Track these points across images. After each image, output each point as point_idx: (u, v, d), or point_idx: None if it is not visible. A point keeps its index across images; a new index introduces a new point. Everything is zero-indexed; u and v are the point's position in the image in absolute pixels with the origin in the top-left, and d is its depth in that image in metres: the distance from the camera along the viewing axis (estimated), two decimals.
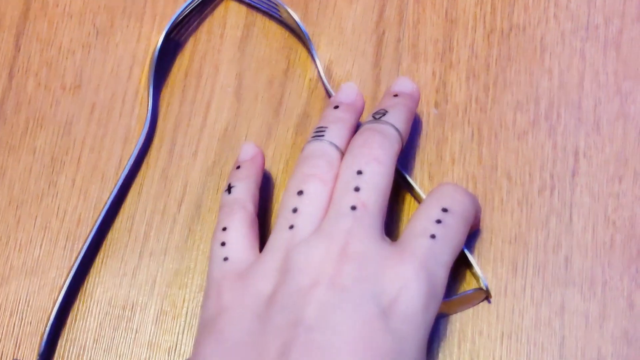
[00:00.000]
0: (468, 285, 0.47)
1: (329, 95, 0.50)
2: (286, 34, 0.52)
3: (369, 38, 0.52)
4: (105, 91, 0.52)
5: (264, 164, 0.46)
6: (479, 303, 0.46)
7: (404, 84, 0.46)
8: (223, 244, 0.41)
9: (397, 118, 0.43)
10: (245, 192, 0.43)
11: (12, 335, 0.47)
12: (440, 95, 0.51)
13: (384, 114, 0.43)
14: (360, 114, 0.46)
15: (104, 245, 0.49)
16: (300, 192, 0.40)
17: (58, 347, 0.47)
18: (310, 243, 0.37)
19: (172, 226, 0.49)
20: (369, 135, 0.41)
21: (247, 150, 0.46)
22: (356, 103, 0.45)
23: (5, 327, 0.48)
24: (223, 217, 0.42)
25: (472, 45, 0.52)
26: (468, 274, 0.47)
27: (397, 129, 0.42)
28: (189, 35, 0.53)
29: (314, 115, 0.50)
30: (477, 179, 0.49)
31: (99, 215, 0.48)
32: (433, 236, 0.38)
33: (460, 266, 0.47)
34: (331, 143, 0.42)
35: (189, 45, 0.52)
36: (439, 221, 0.39)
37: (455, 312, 0.46)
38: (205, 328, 0.38)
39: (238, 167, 0.45)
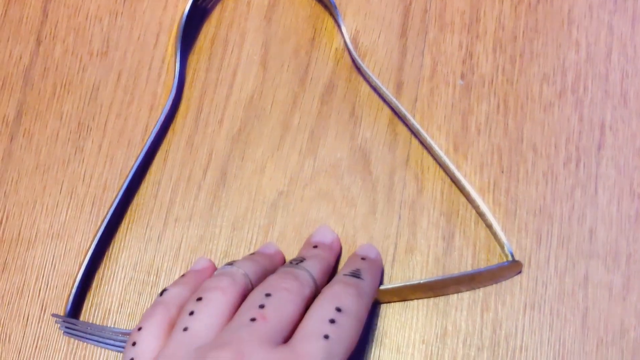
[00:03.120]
0: (493, 255, 0.47)
1: (355, 65, 0.50)
2: (313, 2, 0.52)
3: (395, 8, 0.52)
4: (132, 58, 0.52)
5: (206, 276, 0.44)
6: (509, 277, 0.46)
7: (324, 235, 0.46)
8: (134, 344, 0.39)
9: (313, 267, 0.42)
10: (175, 296, 0.41)
11: (38, 299, 0.48)
12: (467, 66, 0.51)
13: (300, 261, 0.42)
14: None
15: (129, 211, 0.49)
16: (199, 299, 0.39)
17: (83, 310, 0.48)
18: (202, 349, 0.35)
19: (197, 193, 0.49)
20: (283, 274, 0.40)
21: (199, 263, 0.46)
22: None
23: (31, 291, 0.48)
24: (143, 317, 0.40)
25: (499, 17, 0.51)
26: (493, 244, 0.47)
27: (311, 276, 0.41)
28: (216, 2, 0.53)
29: (340, 84, 0.50)
30: (502, 151, 0.49)
31: (125, 181, 0.48)
32: (327, 337, 0.36)
33: (486, 236, 0.47)
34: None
35: (216, 13, 0.52)
36: (332, 321, 0.37)
37: (484, 286, 0.46)
38: None
39: (183, 276, 0.44)
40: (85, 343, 0.47)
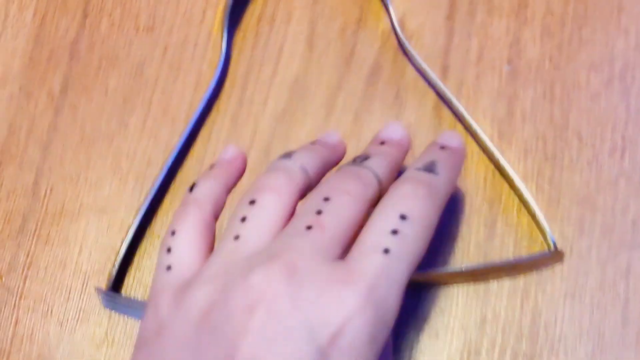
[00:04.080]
0: (534, 242, 0.47)
1: (402, 47, 0.50)
2: None
3: None
4: (178, 34, 0.52)
5: (243, 169, 0.41)
6: (551, 266, 0.46)
7: (393, 130, 0.40)
8: (169, 250, 0.35)
9: (379, 166, 0.36)
10: (207, 193, 0.38)
11: (80, 272, 0.48)
12: (514, 51, 0.50)
13: (365, 159, 0.37)
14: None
15: (172, 188, 0.49)
16: (252, 202, 0.35)
17: (124, 285, 0.48)
18: (253, 259, 0.31)
19: None
20: (345, 174, 0.36)
21: (227, 151, 0.41)
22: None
23: (74, 264, 0.48)
24: (175, 219, 0.36)
25: (548, 2, 0.51)
26: (535, 232, 0.47)
27: (376, 176, 0.36)
28: None
29: (386, 66, 0.50)
30: (547, 138, 0.49)
31: (169, 158, 0.48)
32: (387, 251, 0.31)
33: (529, 224, 0.47)
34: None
35: None
36: (395, 232, 0.32)
37: (525, 274, 0.46)
38: (143, 345, 0.33)
39: (212, 167, 0.40)
40: (126, 317, 0.47)
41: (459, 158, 0.39)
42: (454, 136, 0.39)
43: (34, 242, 0.49)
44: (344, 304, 0.30)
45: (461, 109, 0.48)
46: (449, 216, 0.48)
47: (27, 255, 0.49)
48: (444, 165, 0.36)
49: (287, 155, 0.38)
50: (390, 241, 0.31)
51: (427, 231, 0.33)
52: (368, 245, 0.32)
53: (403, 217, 0.32)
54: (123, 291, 0.48)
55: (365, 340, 0.30)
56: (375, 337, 0.30)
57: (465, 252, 0.47)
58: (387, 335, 0.31)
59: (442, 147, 0.38)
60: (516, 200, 0.48)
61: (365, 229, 0.33)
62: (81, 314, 0.48)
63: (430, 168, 0.36)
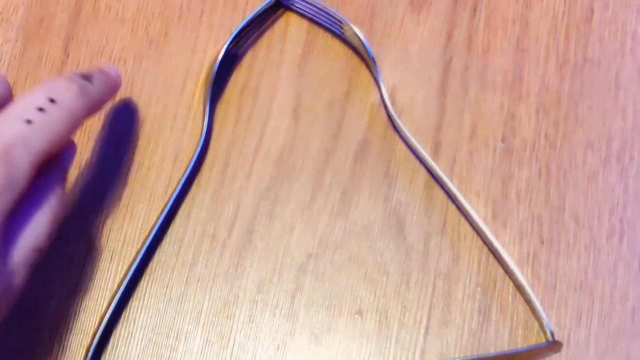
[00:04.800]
0: (530, 331, 0.45)
1: (392, 122, 0.48)
2: (349, 52, 0.50)
3: (435, 63, 0.50)
4: (156, 104, 0.49)
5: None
6: (548, 357, 0.44)
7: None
8: None
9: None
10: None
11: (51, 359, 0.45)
12: (508, 128, 0.48)
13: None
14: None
15: (149, 268, 0.47)
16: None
17: None
18: None
19: (222, 252, 0.47)
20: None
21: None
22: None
23: (44, 351, 0.45)
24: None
25: (544, 77, 0.49)
26: (531, 320, 0.45)
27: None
28: (247, 48, 0.50)
29: (375, 142, 0.48)
30: (543, 220, 0.47)
31: (146, 236, 0.46)
32: (29, 121, 0.34)
33: (525, 311, 0.45)
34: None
35: (246, 60, 0.50)
36: (41, 109, 0.35)
37: None
38: None
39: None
40: None
41: (113, 83, 0.42)
42: (114, 68, 0.43)
43: None
44: None
45: (454, 188, 0.46)
46: (442, 301, 0.45)
47: None
48: (99, 81, 0.40)
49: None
50: (34, 115, 0.34)
51: (71, 120, 0.36)
52: (13, 113, 0.34)
53: (51, 101, 0.35)
54: None
55: None
56: (2, 195, 0.32)
57: (459, 340, 0.45)
58: (11, 198, 0.33)
59: (101, 70, 0.41)
60: (511, 285, 0.46)
61: (15, 100, 0.36)
62: None
63: (86, 77, 0.39)
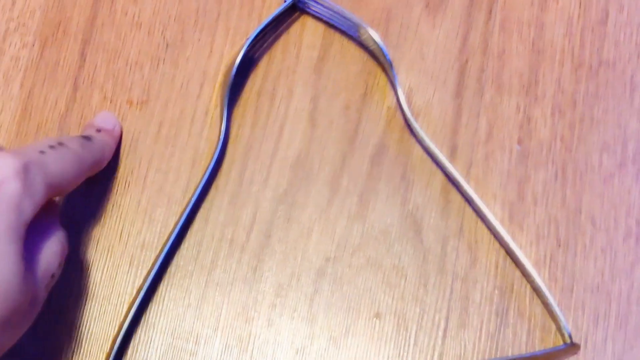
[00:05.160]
0: (548, 333, 0.45)
1: (408, 125, 0.48)
2: (365, 56, 0.50)
3: (451, 66, 0.50)
4: (173, 108, 0.49)
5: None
6: (566, 359, 0.44)
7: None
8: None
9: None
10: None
11: None
12: (524, 131, 0.48)
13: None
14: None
15: (168, 273, 0.47)
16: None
17: None
18: None
19: (240, 256, 0.47)
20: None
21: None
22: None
23: (64, 355, 0.45)
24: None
25: (559, 80, 0.49)
26: (549, 322, 0.45)
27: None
28: (263, 52, 0.50)
29: (392, 145, 0.48)
30: (559, 222, 0.47)
31: (165, 241, 0.46)
32: (42, 152, 0.38)
33: (542, 313, 0.45)
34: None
35: (263, 64, 0.50)
36: (52, 147, 0.39)
37: None
38: None
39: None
40: None
41: (113, 138, 0.47)
42: (109, 118, 0.48)
43: None
44: (3, 168, 0.35)
45: (470, 191, 0.47)
46: (460, 303, 0.45)
47: None
48: (99, 140, 0.44)
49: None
50: (47, 149, 0.38)
51: (78, 163, 0.40)
52: (30, 148, 0.38)
53: (60, 144, 0.40)
54: None
55: (14, 202, 0.34)
56: (23, 204, 0.35)
57: (477, 343, 0.45)
58: (31, 209, 0.36)
59: (99, 130, 0.46)
60: (528, 288, 0.46)
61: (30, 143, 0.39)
62: None
63: (87, 138, 0.43)
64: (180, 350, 0.45)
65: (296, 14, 0.50)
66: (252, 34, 0.48)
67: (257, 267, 0.46)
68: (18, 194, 0.35)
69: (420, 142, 0.48)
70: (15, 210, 0.34)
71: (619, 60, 0.49)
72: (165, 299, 0.46)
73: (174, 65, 0.50)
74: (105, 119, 0.47)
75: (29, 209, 0.35)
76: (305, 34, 0.50)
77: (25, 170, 0.35)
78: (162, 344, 0.45)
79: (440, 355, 0.45)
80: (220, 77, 0.49)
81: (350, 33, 0.49)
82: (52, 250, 0.38)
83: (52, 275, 0.39)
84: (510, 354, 0.45)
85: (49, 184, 0.37)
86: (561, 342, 0.45)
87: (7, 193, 0.34)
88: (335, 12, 0.49)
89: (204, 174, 0.47)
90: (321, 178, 0.48)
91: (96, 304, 0.46)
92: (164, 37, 0.50)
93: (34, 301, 0.36)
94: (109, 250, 0.47)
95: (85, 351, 0.45)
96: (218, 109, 0.48)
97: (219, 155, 0.47)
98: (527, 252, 0.46)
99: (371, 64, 0.50)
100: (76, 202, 0.47)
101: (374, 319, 0.45)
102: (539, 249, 0.46)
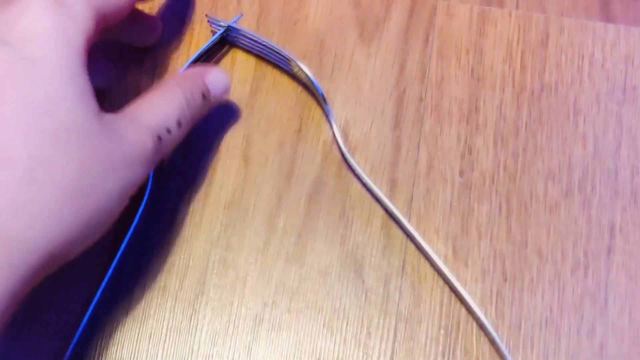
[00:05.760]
0: None
1: (345, 160, 0.46)
2: (299, 89, 0.48)
3: (388, 96, 0.48)
4: None
5: None
6: None
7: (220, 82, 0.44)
8: None
9: None
10: None
11: None
12: (466, 161, 0.47)
13: None
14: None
15: (99, 326, 0.45)
16: None
17: None
18: None
19: (174, 304, 0.45)
20: None
21: None
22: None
23: None
24: None
25: (500, 107, 0.48)
26: None
27: None
28: None
29: (329, 182, 0.46)
30: (505, 256, 0.45)
31: (96, 291, 0.44)
32: None
33: (490, 352, 0.43)
34: None
35: None
36: None
37: None
38: None
39: None
40: None
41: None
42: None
43: None
44: (20, 6, 0.34)
45: (411, 228, 0.45)
46: (405, 345, 0.44)
47: None
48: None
49: None
50: None
51: None
52: None
53: None
54: None
55: (47, 25, 0.33)
56: (60, 23, 0.34)
57: None
58: (79, 30, 0.35)
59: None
60: (475, 325, 0.44)
61: None
62: None
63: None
64: None
65: (226, 48, 0.48)
66: (180, 70, 0.46)
67: (192, 316, 0.44)
68: (53, 26, 0.33)
69: (358, 177, 0.46)
70: (60, 43, 0.33)
71: (560, 83, 0.48)
72: (97, 354, 0.44)
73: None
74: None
75: (77, 37, 0.34)
76: (237, 67, 0.48)
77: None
78: None
79: None
80: None
81: (283, 65, 0.47)
82: (168, 106, 0.39)
83: (166, 128, 0.38)
84: None
85: (92, 6, 0.36)
86: None
87: (39, 29, 0.33)
88: (264, 45, 0.47)
89: (132, 222, 0.44)
90: (257, 219, 0.46)
91: None
92: None
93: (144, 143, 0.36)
94: (34, 308, 0.44)
95: None
96: None
97: (146, 200, 0.45)
98: (473, 288, 0.44)
99: (305, 97, 0.48)
100: None
101: None
102: (484, 284, 0.45)
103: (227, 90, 0.44)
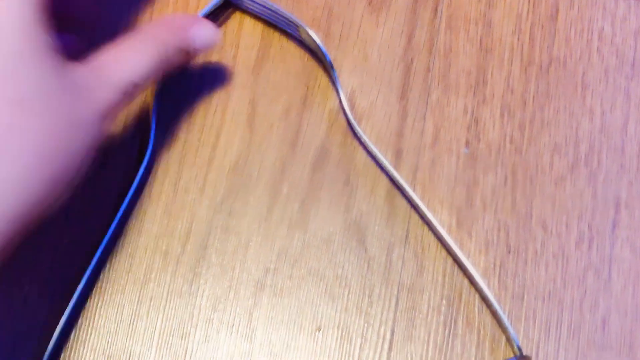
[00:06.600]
0: (498, 345, 0.43)
1: (351, 129, 0.46)
2: (306, 56, 0.48)
3: (396, 66, 0.47)
4: None
5: None
6: None
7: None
8: None
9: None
10: None
11: None
12: (472, 133, 0.46)
13: None
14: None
15: (98, 288, 0.44)
16: None
17: None
18: None
19: (175, 269, 0.44)
20: None
21: None
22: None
23: None
24: None
25: (508, 79, 0.47)
26: (499, 333, 0.43)
27: None
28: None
29: (334, 150, 0.46)
30: (509, 228, 0.45)
31: (95, 254, 0.43)
32: None
33: (492, 324, 0.43)
34: None
35: (198, 65, 0.47)
36: None
37: None
38: None
39: None
40: None
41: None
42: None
43: None
44: None
45: (416, 197, 0.45)
46: (406, 315, 0.43)
47: None
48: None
49: None
50: None
51: None
52: None
53: None
54: None
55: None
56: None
57: (424, 355, 0.43)
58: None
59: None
60: (477, 297, 0.44)
61: None
62: None
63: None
64: None
65: (231, 12, 0.48)
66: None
67: (193, 280, 0.44)
68: None
69: (363, 146, 0.46)
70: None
71: (569, 57, 0.47)
72: (97, 315, 0.44)
73: None
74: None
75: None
76: (243, 33, 0.48)
77: None
78: None
79: None
80: None
81: (290, 32, 0.47)
82: (140, 59, 0.37)
83: (134, 85, 0.37)
84: None
85: None
86: (511, 354, 0.43)
87: None
88: (272, 10, 0.46)
89: (132, 182, 0.44)
90: (260, 185, 0.45)
91: (22, 323, 0.43)
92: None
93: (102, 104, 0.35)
94: (35, 264, 0.44)
95: None
96: (148, 114, 0.46)
97: (148, 162, 0.45)
98: (476, 259, 0.44)
99: (312, 64, 0.47)
100: None
101: (316, 332, 0.43)
102: (488, 256, 0.44)
103: (213, 45, 0.42)
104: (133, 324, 0.44)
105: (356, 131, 0.46)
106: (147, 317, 0.44)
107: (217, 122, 0.47)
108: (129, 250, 0.45)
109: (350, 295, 0.44)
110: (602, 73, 0.47)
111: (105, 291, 0.44)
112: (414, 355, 0.43)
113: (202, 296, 0.44)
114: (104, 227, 0.44)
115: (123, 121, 0.46)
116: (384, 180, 0.46)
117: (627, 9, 0.49)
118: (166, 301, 0.44)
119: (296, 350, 0.43)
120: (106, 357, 0.43)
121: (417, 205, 0.45)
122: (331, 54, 0.46)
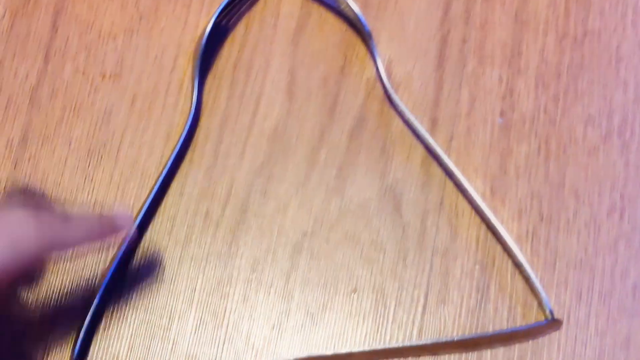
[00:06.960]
0: (530, 309, 0.44)
1: (388, 98, 0.47)
2: (344, 27, 0.49)
3: (432, 37, 0.48)
4: (147, 81, 0.48)
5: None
6: (547, 335, 0.43)
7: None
8: None
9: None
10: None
11: (41, 342, 0.44)
12: (507, 103, 0.47)
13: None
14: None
15: (141, 248, 0.45)
16: None
17: (90, 354, 0.44)
18: None
19: (215, 231, 0.46)
20: None
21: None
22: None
23: (35, 333, 0.44)
24: None
25: (543, 51, 0.48)
26: (530, 298, 0.44)
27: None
28: (239, 22, 0.49)
29: (371, 118, 0.47)
30: (542, 197, 0.46)
31: (138, 215, 0.45)
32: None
33: (524, 289, 0.44)
34: None
35: (239, 34, 0.49)
36: None
37: (520, 343, 0.43)
38: None
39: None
40: None
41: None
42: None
43: None
44: None
45: (451, 165, 0.46)
46: (440, 279, 0.44)
47: None
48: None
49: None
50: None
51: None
52: None
53: None
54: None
55: None
56: None
57: (457, 318, 0.44)
58: None
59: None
60: (510, 263, 0.45)
61: None
62: None
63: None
64: (154, 325, 0.44)
65: None
66: (224, 1, 0.46)
67: (232, 242, 0.45)
68: None
69: (400, 114, 0.47)
70: None
71: (604, 30, 0.48)
72: (139, 274, 0.45)
73: (147, 37, 0.49)
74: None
75: None
76: (283, 3, 0.49)
77: None
78: (135, 320, 0.45)
79: (420, 331, 0.44)
80: (193, 48, 0.48)
81: (329, 2, 0.48)
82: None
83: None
84: (490, 330, 0.44)
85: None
86: (543, 318, 0.44)
87: None
88: None
89: (176, 146, 0.45)
90: (299, 151, 0.47)
91: (68, 280, 0.45)
92: (137, 9, 0.49)
93: None
94: None
95: (56, 328, 0.44)
96: (190, 81, 0.47)
97: (190, 128, 0.46)
98: (509, 226, 0.45)
99: (350, 34, 0.48)
100: (49, 173, 0.46)
101: (352, 294, 0.44)
102: (521, 223, 0.45)
103: None
104: (174, 283, 0.45)
105: (393, 100, 0.47)
106: (188, 276, 0.45)
107: (257, 89, 0.48)
108: (171, 212, 0.46)
109: (385, 259, 0.45)
110: (636, 45, 0.48)
111: (147, 251, 0.45)
112: (447, 318, 0.44)
113: (241, 257, 0.45)
114: (147, 189, 0.46)
115: (166, 88, 0.47)
116: (420, 148, 0.47)
117: None
118: (206, 262, 0.45)
119: (332, 311, 0.45)
120: (148, 314, 0.45)
121: (452, 172, 0.46)
122: (369, 24, 0.47)
